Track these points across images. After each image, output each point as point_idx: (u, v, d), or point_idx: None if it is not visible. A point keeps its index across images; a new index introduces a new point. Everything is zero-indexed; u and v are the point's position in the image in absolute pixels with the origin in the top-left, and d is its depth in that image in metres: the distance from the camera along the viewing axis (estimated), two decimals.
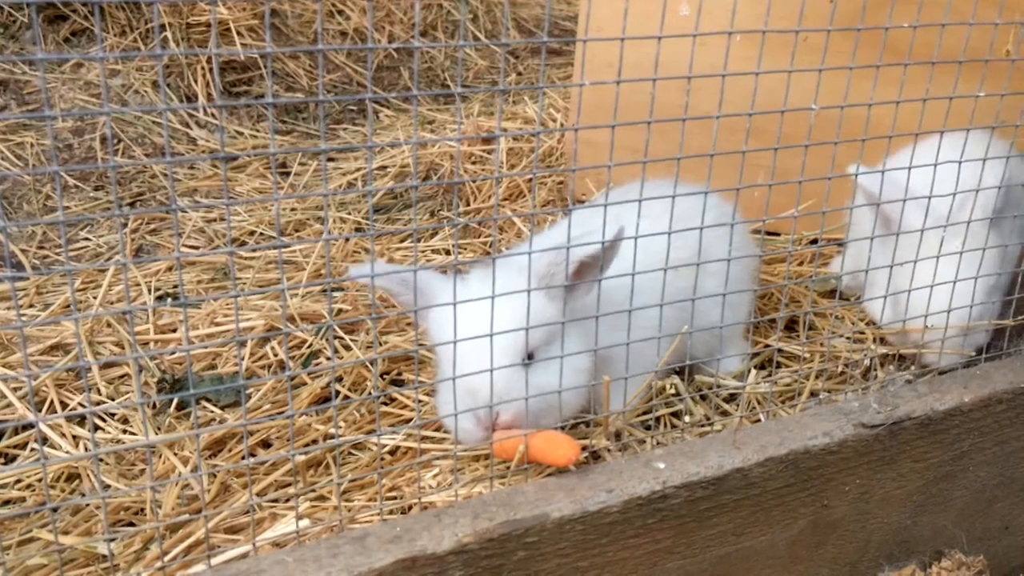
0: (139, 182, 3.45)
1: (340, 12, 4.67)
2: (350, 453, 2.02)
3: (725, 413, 2.14)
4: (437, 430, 2.03)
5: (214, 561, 1.50)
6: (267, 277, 2.81)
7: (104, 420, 2.09)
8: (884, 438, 1.73)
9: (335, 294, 2.63)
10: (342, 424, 2.06)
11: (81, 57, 1.40)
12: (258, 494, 1.85)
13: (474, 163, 3.51)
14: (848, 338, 2.43)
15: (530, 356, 1.77)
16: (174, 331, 2.45)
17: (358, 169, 3.57)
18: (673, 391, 2.05)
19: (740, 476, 1.60)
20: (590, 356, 1.79)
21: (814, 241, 2.97)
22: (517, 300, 1.61)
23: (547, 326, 1.76)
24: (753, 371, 2.29)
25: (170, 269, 2.81)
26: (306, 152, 3.59)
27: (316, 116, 4.19)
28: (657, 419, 2.08)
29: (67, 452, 1.97)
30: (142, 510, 1.84)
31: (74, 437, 2.02)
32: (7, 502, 1.88)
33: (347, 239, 3.00)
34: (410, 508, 1.81)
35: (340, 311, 2.54)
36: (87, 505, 1.82)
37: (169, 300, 2.62)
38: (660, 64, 1.40)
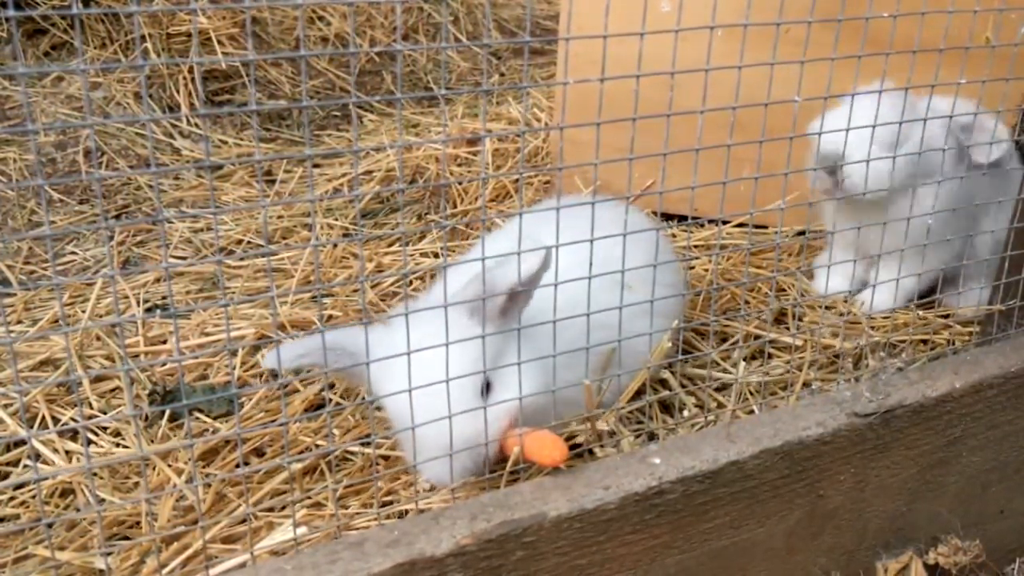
0: (124, 194, 3.44)
1: (321, 18, 4.66)
2: (345, 459, 2.02)
3: (719, 404, 2.15)
4: None
5: (212, 572, 1.50)
6: (256, 285, 2.80)
7: (96, 434, 2.09)
8: (877, 426, 1.74)
9: (325, 300, 2.63)
10: (336, 431, 2.06)
11: (62, 70, 1.40)
12: (253, 503, 1.84)
13: (460, 165, 3.51)
14: (839, 327, 2.44)
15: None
16: (164, 342, 2.45)
17: (344, 175, 3.56)
18: (661, 383, 2.05)
19: (736, 469, 1.61)
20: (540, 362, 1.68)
21: (801, 233, 2.99)
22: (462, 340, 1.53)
23: (491, 354, 1.70)
24: (743, 363, 2.30)
25: (158, 280, 2.80)
26: (292, 159, 3.59)
27: (300, 123, 4.18)
28: (651, 417, 2.09)
29: (61, 467, 1.96)
30: (138, 523, 1.83)
31: (67, 452, 2.02)
32: (1, 519, 1.87)
33: (335, 245, 2.99)
34: (407, 512, 1.81)
35: (331, 317, 2.54)
36: (82, 520, 1.82)
37: (158, 311, 2.61)
38: (643, 60, 1.41)
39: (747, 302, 2.61)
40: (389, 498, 1.89)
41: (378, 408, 2.14)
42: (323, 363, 1.70)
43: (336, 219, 3.23)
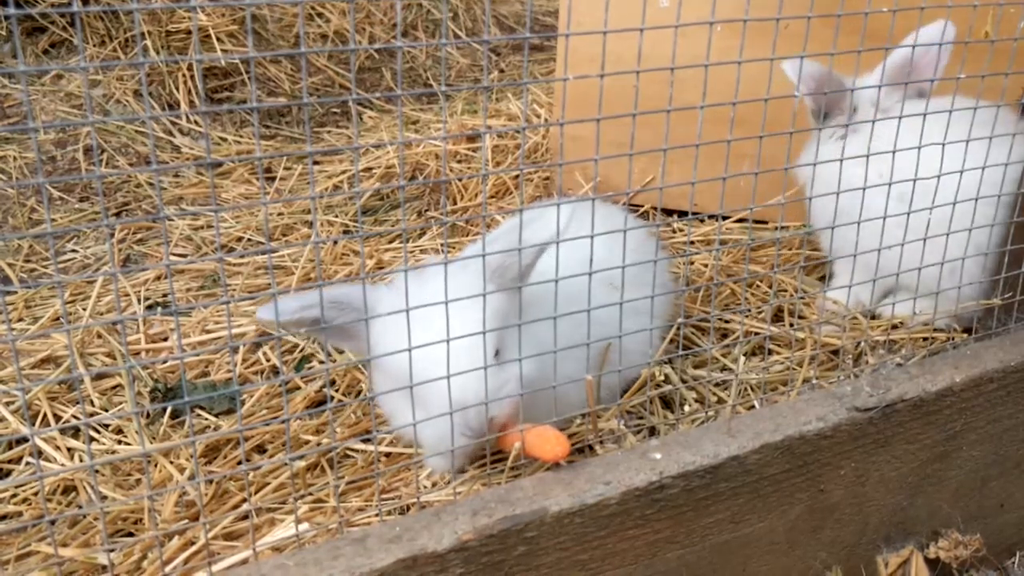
0: (124, 192, 3.44)
1: (320, 15, 4.66)
2: (346, 456, 2.02)
3: (719, 400, 2.15)
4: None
5: (215, 568, 1.50)
6: (256, 283, 2.80)
7: (98, 431, 2.09)
8: (878, 421, 1.74)
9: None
10: (337, 429, 2.06)
11: (62, 68, 1.40)
12: (255, 500, 1.85)
13: (459, 162, 3.51)
14: (839, 325, 2.44)
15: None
16: (165, 340, 2.45)
17: (343, 171, 3.56)
18: (663, 378, 2.05)
19: (736, 464, 1.61)
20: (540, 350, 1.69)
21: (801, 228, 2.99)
22: (479, 299, 1.53)
23: (506, 324, 1.70)
24: (742, 358, 2.30)
25: (159, 278, 2.80)
26: (292, 156, 3.58)
27: (299, 120, 4.19)
28: (651, 412, 2.09)
29: (62, 465, 1.97)
30: (140, 520, 1.84)
31: (69, 449, 2.02)
32: (3, 517, 1.87)
33: (335, 242, 2.99)
34: (408, 508, 1.81)
35: None
36: (84, 517, 1.82)
37: (159, 309, 2.61)
38: (642, 57, 1.41)
39: (747, 299, 2.61)
40: (390, 495, 1.89)
41: (379, 405, 2.14)
42: (323, 319, 1.65)
43: (336, 216, 3.23)
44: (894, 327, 2.44)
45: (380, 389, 1.76)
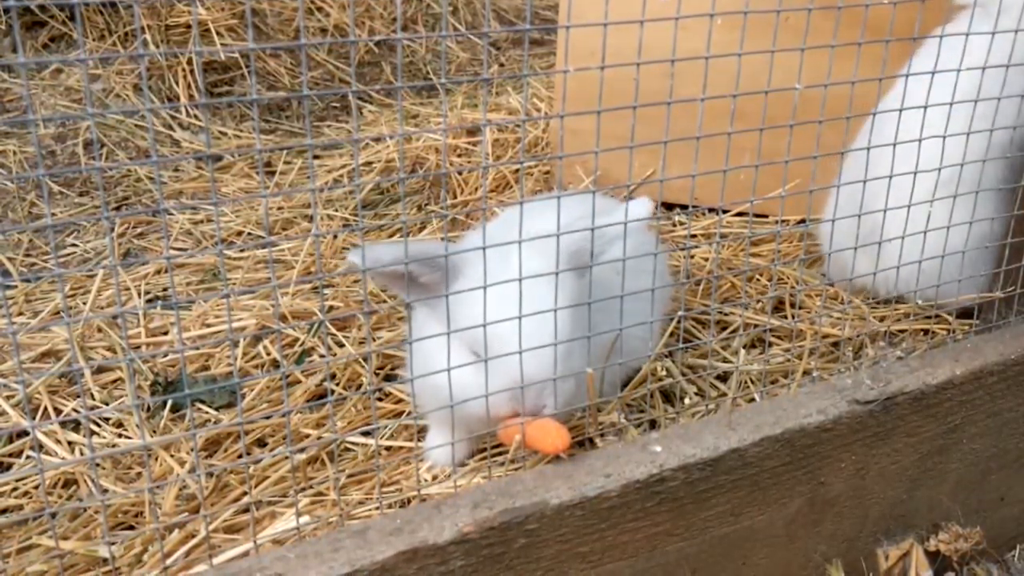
0: (124, 186, 3.44)
1: (319, 9, 4.65)
2: (346, 449, 2.02)
3: (720, 393, 2.15)
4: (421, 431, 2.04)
5: (215, 560, 1.50)
6: (256, 276, 2.80)
7: (99, 425, 2.09)
8: (878, 414, 1.74)
9: (326, 291, 2.63)
10: (338, 422, 2.07)
11: (62, 62, 1.39)
12: (256, 493, 1.85)
13: (459, 156, 3.51)
14: (839, 317, 2.44)
15: None
16: (165, 334, 2.45)
17: (343, 166, 3.56)
18: (664, 372, 2.05)
19: (736, 456, 1.61)
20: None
21: (801, 221, 2.99)
22: (556, 281, 1.57)
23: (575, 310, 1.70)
24: (743, 351, 2.30)
25: (159, 272, 2.80)
26: (292, 149, 3.58)
27: (299, 114, 4.18)
28: (652, 405, 2.09)
29: (63, 458, 1.97)
30: (141, 513, 1.84)
31: (69, 443, 2.02)
32: (4, 510, 1.88)
33: (335, 236, 2.99)
34: (409, 501, 1.82)
35: (331, 308, 2.54)
36: (85, 510, 1.82)
37: (159, 303, 2.61)
38: (642, 50, 1.41)
39: (748, 293, 2.61)
40: (390, 488, 1.89)
41: (380, 399, 2.15)
42: (420, 274, 1.67)
43: (336, 210, 3.23)
44: (896, 319, 2.44)
45: (435, 346, 1.64)
